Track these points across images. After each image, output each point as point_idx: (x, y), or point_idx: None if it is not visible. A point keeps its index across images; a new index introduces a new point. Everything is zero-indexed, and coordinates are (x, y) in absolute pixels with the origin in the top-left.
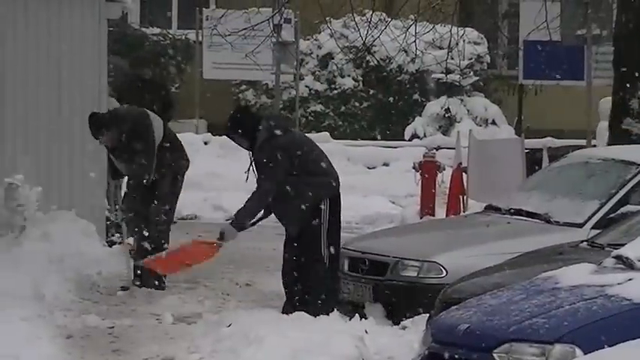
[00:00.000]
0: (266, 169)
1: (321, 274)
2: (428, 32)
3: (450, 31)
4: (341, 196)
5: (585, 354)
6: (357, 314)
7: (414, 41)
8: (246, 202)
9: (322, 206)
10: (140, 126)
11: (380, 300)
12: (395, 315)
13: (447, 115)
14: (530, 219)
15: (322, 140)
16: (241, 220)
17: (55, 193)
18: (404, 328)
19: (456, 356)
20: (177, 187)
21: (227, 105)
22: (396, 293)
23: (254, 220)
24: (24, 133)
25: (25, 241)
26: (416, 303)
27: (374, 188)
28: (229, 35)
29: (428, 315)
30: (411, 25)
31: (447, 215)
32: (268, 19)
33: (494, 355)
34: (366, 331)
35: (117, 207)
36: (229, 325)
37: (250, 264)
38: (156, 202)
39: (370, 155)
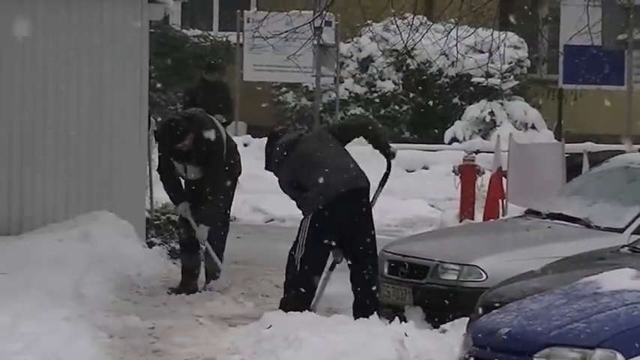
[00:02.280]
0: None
1: (292, 275)
2: (469, 36)
3: (492, 34)
4: (350, 200)
5: (626, 359)
6: (396, 317)
7: (456, 45)
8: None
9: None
10: (216, 131)
11: (420, 303)
12: (434, 318)
13: (491, 119)
14: (570, 224)
15: (362, 143)
16: None
17: (96, 194)
18: (443, 331)
19: None
20: (232, 191)
21: (267, 107)
22: (436, 296)
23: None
24: (65, 133)
25: (66, 242)
26: (455, 306)
27: (413, 191)
28: (271, 38)
29: (468, 319)
30: (452, 29)
31: (483, 219)
32: (310, 22)
33: (535, 359)
34: (406, 334)
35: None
36: (269, 327)
37: None
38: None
39: (409, 158)
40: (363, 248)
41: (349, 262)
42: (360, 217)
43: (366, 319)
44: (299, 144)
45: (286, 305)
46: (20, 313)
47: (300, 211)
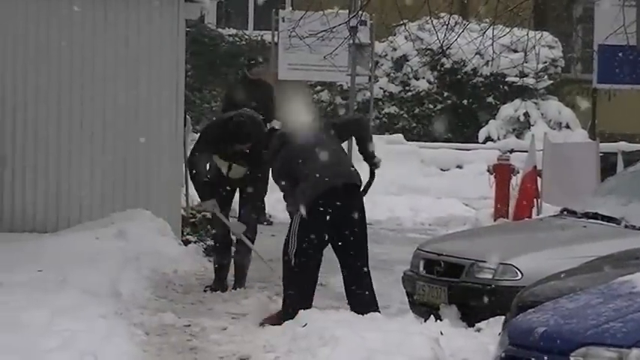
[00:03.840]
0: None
1: (288, 273)
2: (505, 35)
3: (527, 34)
4: (342, 196)
5: None
6: (431, 316)
7: (492, 44)
8: None
9: (300, 211)
10: (266, 132)
11: (455, 302)
12: (470, 317)
13: (525, 118)
14: (605, 223)
15: (396, 142)
16: None
17: (132, 192)
18: (479, 330)
19: (533, 359)
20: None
21: (302, 106)
22: (471, 295)
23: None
24: (102, 131)
25: (103, 239)
26: (491, 305)
27: (447, 190)
28: (307, 37)
29: (503, 317)
30: (488, 28)
31: (513, 218)
32: (346, 22)
33: (571, 358)
34: (441, 333)
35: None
36: (305, 325)
37: (324, 265)
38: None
39: (444, 157)
40: (352, 251)
41: (340, 263)
42: (348, 217)
43: (401, 317)
44: (295, 136)
45: (289, 305)
46: (57, 310)
47: (286, 206)
